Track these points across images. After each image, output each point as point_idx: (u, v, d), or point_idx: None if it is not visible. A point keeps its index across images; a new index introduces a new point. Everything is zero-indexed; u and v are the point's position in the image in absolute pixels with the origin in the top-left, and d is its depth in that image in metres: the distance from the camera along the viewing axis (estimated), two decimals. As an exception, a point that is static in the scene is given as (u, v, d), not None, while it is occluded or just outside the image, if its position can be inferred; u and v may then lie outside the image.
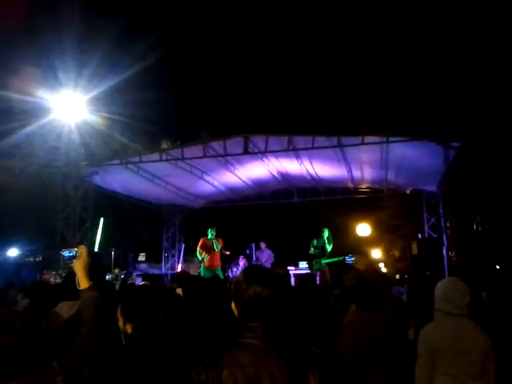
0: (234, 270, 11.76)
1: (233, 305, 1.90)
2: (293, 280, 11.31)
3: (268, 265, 11.52)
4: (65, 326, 3.15)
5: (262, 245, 12.11)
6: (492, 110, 17.41)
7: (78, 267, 2.60)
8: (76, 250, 2.71)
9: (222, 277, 10.27)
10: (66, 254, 2.40)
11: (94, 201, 11.59)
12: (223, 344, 1.79)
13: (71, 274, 3.73)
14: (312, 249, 11.42)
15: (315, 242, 11.42)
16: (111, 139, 13.33)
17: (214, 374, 1.69)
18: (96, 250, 12.65)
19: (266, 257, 11.85)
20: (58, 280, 10.97)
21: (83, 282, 2.56)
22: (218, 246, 11.11)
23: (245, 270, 1.98)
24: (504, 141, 16.67)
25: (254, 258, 12.05)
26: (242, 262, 11.80)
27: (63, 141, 11.66)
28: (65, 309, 3.29)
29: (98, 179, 11.45)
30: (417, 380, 3.03)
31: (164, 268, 15.36)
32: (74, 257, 2.67)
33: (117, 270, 17.14)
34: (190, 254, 14.08)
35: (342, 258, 11.42)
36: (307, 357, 1.76)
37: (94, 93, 11.76)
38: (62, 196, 11.13)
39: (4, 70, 11.63)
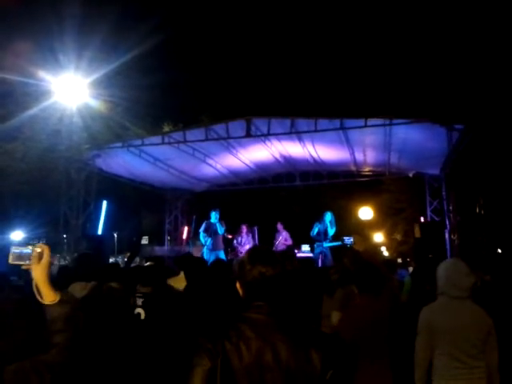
0: (239, 238, 11.74)
1: (238, 285, 1.92)
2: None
3: (284, 245, 11.55)
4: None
5: (279, 226, 12.07)
6: (496, 93, 17.27)
7: (39, 274, 1.88)
8: (31, 248, 1.95)
9: (224, 259, 10.31)
10: (15, 250, 1.72)
11: (96, 184, 11.63)
12: (229, 318, 1.82)
13: (83, 256, 3.75)
14: (314, 232, 11.37)
15: (318, 225, 11.38)
16: (113, 122, 13.31)
17: (219, 345, 1.71)
18: (99, 232, 12.72)
19: (283, 237, 11.83)
20: (62, 263, 11.05)
21: (48, 295, 1.87)
22: (221, 229, 11.15)
23: (249, 251, 1.99)
24: (508, 124, 16.57)
25: (275, 239, 11.98)
26: (244, 230, 11.76)
27: (65, 124, 11.64)
28: (77, 289, 3.36)
29: (100, 162, 11.45)
30: (415, 357, 3.07)
31: (167, 251, 15.43)
32: (26, 256, 1.94)
33: (129, 254, 17.24)
34: (192, 237, 14.16)
35: (340, 241, 11.40)
36: (311, 335, 1.79)
37: (96, 76, 11.70)
38: (65, 179, 11.15)
39: (4, 53, 11.56)
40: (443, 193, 11.77)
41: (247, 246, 11.31)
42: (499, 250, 20.57)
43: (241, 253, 11.36)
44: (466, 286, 3.05)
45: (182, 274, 4.54)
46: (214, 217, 11.19)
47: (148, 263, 4.40)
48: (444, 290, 3.10)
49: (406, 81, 20.13)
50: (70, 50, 12.35)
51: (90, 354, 3.13)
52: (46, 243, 2.06)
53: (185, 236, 15.06)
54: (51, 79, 10.87)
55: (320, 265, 10.37)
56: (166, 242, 16.02)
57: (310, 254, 11.92)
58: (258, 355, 1.70)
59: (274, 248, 11.18)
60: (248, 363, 1.70)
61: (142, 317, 3.40)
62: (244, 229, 11.78)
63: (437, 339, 3.00)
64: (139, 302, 3.44)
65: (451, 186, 11.31)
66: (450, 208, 11.16)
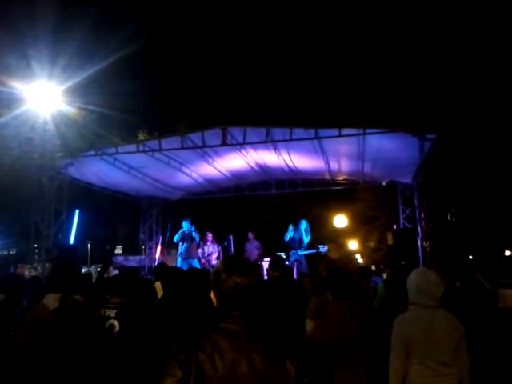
0: (205, 247, 11.69)
1: (212, 294, 1.90)
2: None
3: (255, 255, 11.56)
4: (54, 317, 3.19)
5: (250, 235, 12.08)
6: (467, 103, 17.72)
7: None
8: None
9: (198, 268, 10.26)
10: None
11: (69, 193, 11.43)
12: (203, 328, 1.80)
13: (57, 267, 3.74)
14: (287, 236, 11.42)
15: (292, 227, 11.44)
16: (87, 130, 13.11)
17: (192, 355, 1.70)
18: (71, 242, 12.48)
19: (253, 247, 11.84)
20: (33, 273, 10.81)
21: None
22: (197, 237, 11.15)
23: (224, 260, 1.99)
24: (478, 133, 17.00)
25: (245, 249, 11.98)
26: (210, 238, 11.72)
27: (38, 132, 11.41)
28: (50, 301, 3.35)
29: (73, 171, 11.29)
30: (390, 370, 3.06)
31: (141, 260, 15.26)
32: None
33: (101, 265, 16.96)
34: (166, 246, 14.02)
35: (315, 249, 11.51)
36: (286, 344, 1.78)
37: (70, 83, 11.51)
38: (37, 188, 10.94)
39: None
40: (415, 201, 11.97)
41: (214, 256, 11.33)
42: (470, 257, 21.02)
43: (208, 261, 11.34)
44: (437, 295, 3.09)
45: (157, 283, 4.51)
46: (186, 226, 11.17)
47: (115, 272, 4.37)
48: (415, 300, 3.14)
49: (379, 91, 20.48)
50: (44, 56, 12.14)
51: (59, 367, 3.07)
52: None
53: (158, 254, 14.67)
54: (24, 86, 10.67)
55: (295, 272, 10.43)
56: (140, 252, 15.84)
57: (286, 262, 11.96)
58: (232, 366, 1.69)
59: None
60: (222, 374, 1.68)
61: (117, 328, 3.35)
62: (210, 237, 11.75)
63: (411, 349, 3.02)
64: (112, 313, 3.39)
65: (423, 195, 11.52)
66: (422, 216, 11.36)
